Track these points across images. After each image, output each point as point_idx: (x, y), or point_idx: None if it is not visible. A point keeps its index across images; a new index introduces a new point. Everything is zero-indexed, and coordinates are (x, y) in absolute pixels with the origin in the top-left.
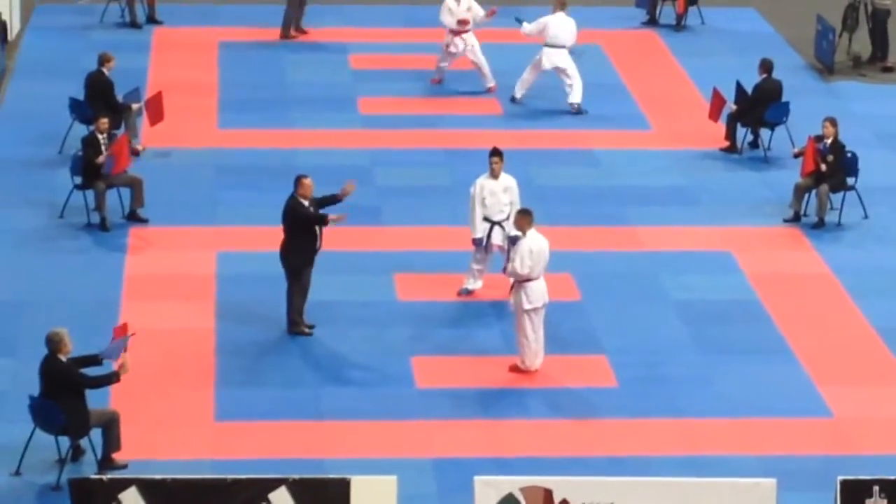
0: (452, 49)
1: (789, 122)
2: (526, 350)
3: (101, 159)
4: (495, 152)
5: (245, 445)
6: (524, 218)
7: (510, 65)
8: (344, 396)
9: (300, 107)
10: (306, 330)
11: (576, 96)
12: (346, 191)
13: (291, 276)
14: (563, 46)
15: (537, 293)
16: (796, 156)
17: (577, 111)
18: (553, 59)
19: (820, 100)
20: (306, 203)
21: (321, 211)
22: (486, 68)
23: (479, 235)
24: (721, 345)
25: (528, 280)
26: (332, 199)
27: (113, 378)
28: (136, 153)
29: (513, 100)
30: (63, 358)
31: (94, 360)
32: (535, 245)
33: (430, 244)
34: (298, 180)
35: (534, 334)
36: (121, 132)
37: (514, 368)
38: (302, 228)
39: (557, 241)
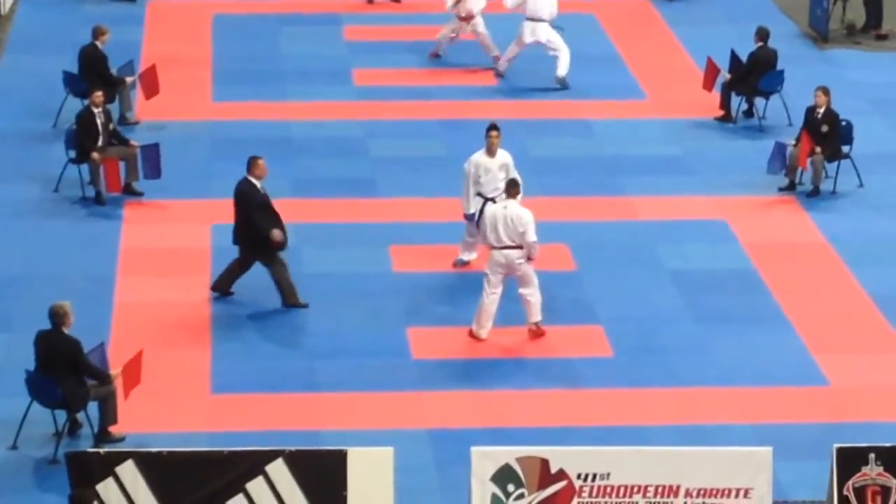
0: (454, 35)
1: (784, 90)
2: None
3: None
4: (493, 127)
5: (241, 418)
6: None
7: (497, 37)
8: (340, 368)
9: (295, 79)
10: (301, 302)
11: (561, 69)
12: (275, 237)
13: (253, 257)
14: (543, 20)
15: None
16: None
17: (562, 85)
18: (535, 32)
19: (814, 68)
20: (259, 185)
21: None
22: (489, 40)
23: (471, 211)
24: (717, 314)
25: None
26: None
27: (107, 379)
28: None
29: (497, 74)
30: (66, 331)
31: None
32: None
33: (425, 216)
34: (252, 161)
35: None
36: (115, 105)
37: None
38: (255, 212)
39: (553, 212)
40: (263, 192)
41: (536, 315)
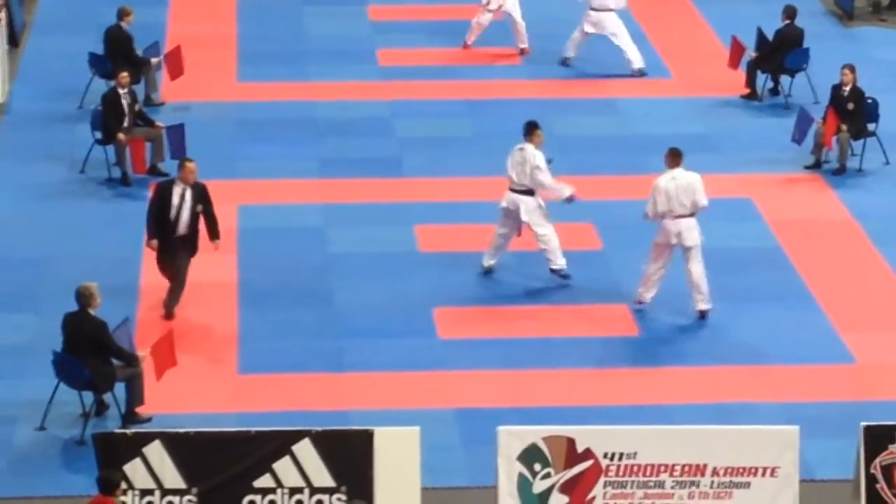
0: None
1: (809, 68)
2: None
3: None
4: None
5: (268, 398)
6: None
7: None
8: (366, 348)
9: (319, 59)
10: (168, 313)
11: (636, 61)
12: (215, 245)
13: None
14: (610, 9)
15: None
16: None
17: (640, 74)
18: (601, 24)
19: (840, 45)
20: (179, 190)
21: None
22: (523, 28)
23: (567, 193)
24: (742, 292)
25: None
26: (211, 233)
27: (133, 360)
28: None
29: (564, 62)
30: (93, 312)
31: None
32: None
33: (450, 195)
34: (181, 163)
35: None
36: (140, 86)
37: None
38: (160, 212)
39: (578, 191)
40: (181, 196)
41: (703, 302)
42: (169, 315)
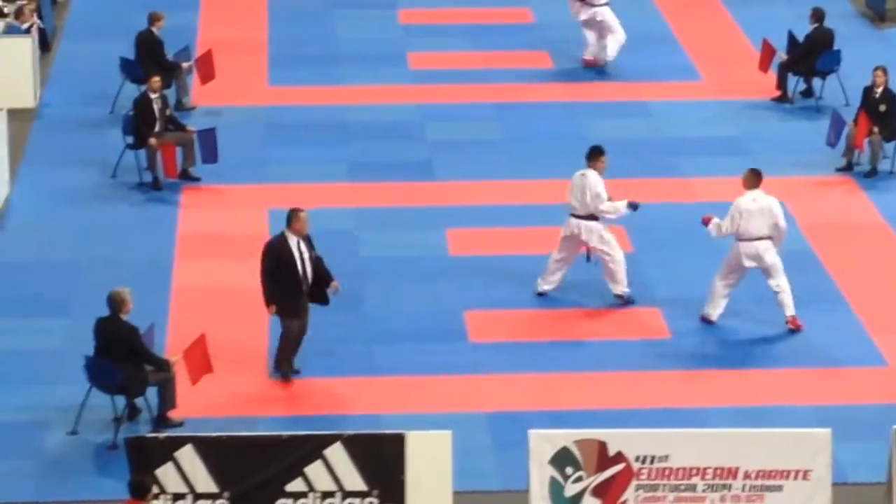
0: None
1: (841, 70)
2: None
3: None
4: (600, 150)
5: (300, 402)
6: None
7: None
8: (397, 352)
9: (350, 63)
10: (289, 373)
11: (611, 51)
12: (334, 286)
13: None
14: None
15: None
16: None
17: (604, 67)
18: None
19: (871, 47)
20: (294, 242)
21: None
22: (593, 39)
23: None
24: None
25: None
26: (324, 279)
27: (165, 365)
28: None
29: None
30: (124, 317)
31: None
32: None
33: (481, 199)
34: (293, 214)
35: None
36: (171, 90)
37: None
38: (281, 270)
39: (609, 193)
40: (298, 248)
41: (790, 308)
42: (291, 373)
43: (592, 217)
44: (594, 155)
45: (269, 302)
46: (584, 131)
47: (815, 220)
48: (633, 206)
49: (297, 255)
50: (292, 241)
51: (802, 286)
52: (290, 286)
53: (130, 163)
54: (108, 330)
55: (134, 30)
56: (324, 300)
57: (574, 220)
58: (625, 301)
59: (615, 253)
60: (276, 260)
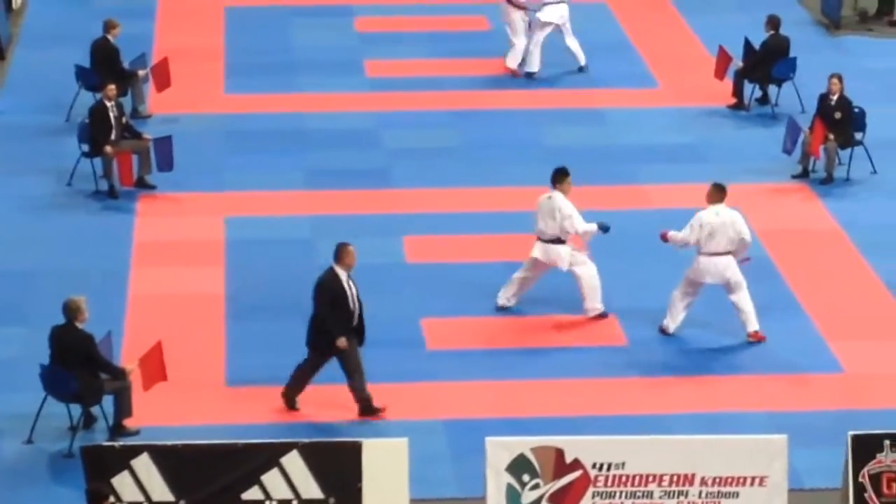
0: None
1: (796, 77)
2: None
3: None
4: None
5: (256, 410)
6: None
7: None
8: None
9: (307, 71)
10: (378, 410)
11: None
12: (340, 345)
13: (336, 356)
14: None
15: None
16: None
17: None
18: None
19: (827, 55)
20: (344, 276)
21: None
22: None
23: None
24: (731, 301)
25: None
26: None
27: (121, 374)
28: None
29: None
30: (80, 325)
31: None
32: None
33: (438, 206)
34: (342, 249)
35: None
36: (127, 98)
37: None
38: (333, 304)
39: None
40: (348, 283)
41: (753, 325)
42: (373, 409)
43: (559, 240)
44: (559, 177)
45: (339, 334)
46: (541, 138)
47: (772, 226)
48: (604, 229)
49: (347, 290)
50: (342, 275)
51: (759, 293)
52: (346, 321)
53: (86, 171)
54: (63, 338)
55: (89, 38)
56: (361, 337)
57: (541, 245)
58: (599, 315)
59: (588, 269)
60: (329, 294)
